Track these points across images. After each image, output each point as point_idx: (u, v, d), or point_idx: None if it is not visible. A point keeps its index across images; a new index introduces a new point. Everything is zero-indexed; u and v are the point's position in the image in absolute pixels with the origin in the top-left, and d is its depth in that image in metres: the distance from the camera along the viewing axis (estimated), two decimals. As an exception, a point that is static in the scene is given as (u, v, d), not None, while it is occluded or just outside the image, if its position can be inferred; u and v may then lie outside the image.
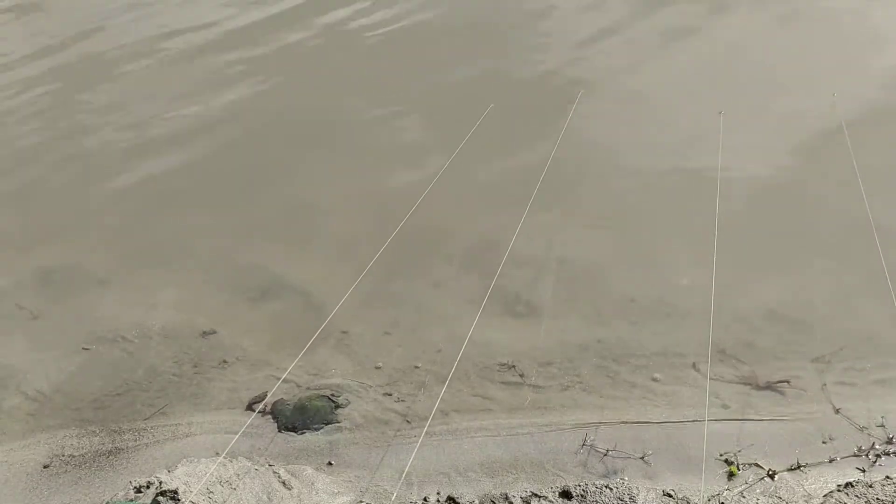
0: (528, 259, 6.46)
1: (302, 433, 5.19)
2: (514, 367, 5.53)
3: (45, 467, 5.13)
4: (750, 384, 5.17)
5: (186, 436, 5.24)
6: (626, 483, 4.42)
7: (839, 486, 4.32)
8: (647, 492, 4.35)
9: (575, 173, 7.57)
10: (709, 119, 8.02)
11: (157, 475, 4.62)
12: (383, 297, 6.31)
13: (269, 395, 5.45)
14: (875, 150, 7.24)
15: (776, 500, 4.26)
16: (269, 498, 4.53)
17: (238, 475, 4.66)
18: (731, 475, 4.49)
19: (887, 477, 4.34)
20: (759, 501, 4.25)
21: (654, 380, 5.30)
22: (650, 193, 7.20)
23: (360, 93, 9.87)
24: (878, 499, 4.14)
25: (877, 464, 4.48)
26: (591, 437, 4.85)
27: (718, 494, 4.33)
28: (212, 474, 4.61)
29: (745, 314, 5.68)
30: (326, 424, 5.24)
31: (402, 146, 8.57)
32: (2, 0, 15.26)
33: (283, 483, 4.65)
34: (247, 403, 5.49)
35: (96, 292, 6.84)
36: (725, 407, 5.01)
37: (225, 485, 4.56)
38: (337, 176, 8.19)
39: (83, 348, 6.17)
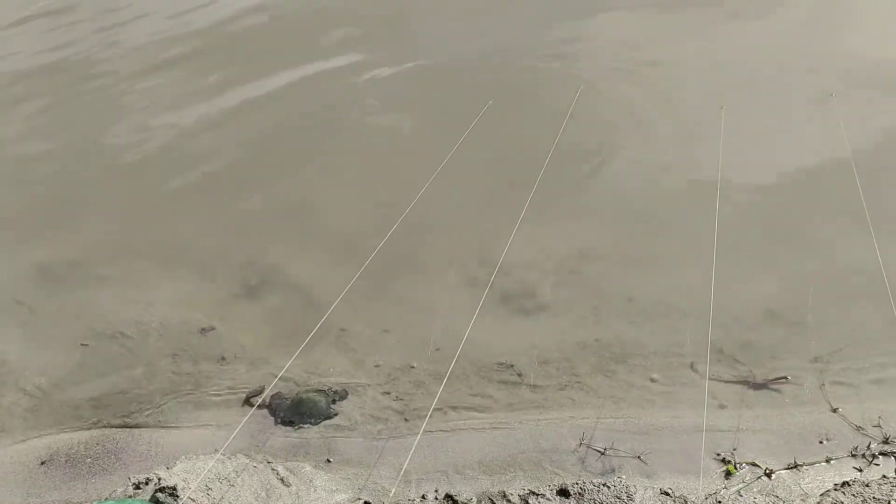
0: (527, 258, 6.47)
1: (299, 428, 5.20)
2: (512, 365, 5.54)
3: (42, 463, 5.12)
4: (748, 384, 5.19)
5: (185, 432, 5.24)
6: (623, 481, 4.43)
7: (836, 485, 4.34)
8: (645, 490, 4.36)
9: (574, 171, 7.58)
10: (710, 117, 8.04)
11: (156, 471, 4.62)
12: (381, 295, 6.32)
13: (266, 390, 5.46)
14: (873, 150, 7.26)
15: (773, 498, 4.28)
16: (267, 495, 4.54)
17: (236, 472, 4.66)
18: (728, 474, 4.51)
19: (884, 476, 4.37)
20: (756, 500, 4.26)
21: (652, 380, 5.32)
22: (650, 191, 7.21)
23: (359, 89, 9.86)
24: (874, 498, 4.15)
25: (873, 463, 4.50)
26: (589, 436, 4.86)
27: (716, 493, 4.35)
28: (210, 471, 4.61)
29: (744, 314, 5.70)
30: (324, 419, 5.24)
31: (400, 143, 8.57)
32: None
33: (282, 480, 4.66)
34: (244, 399, 5.49)
35: (95, 288, 6.82)
36: (723, 406, 5.04)
37: (223, 481, 4.56)
38: (335, 172, 8.19)
39: (81, 344, 6.17)
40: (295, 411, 5.31)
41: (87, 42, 12.42)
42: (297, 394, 5.44)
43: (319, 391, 5.44)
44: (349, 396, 5.43)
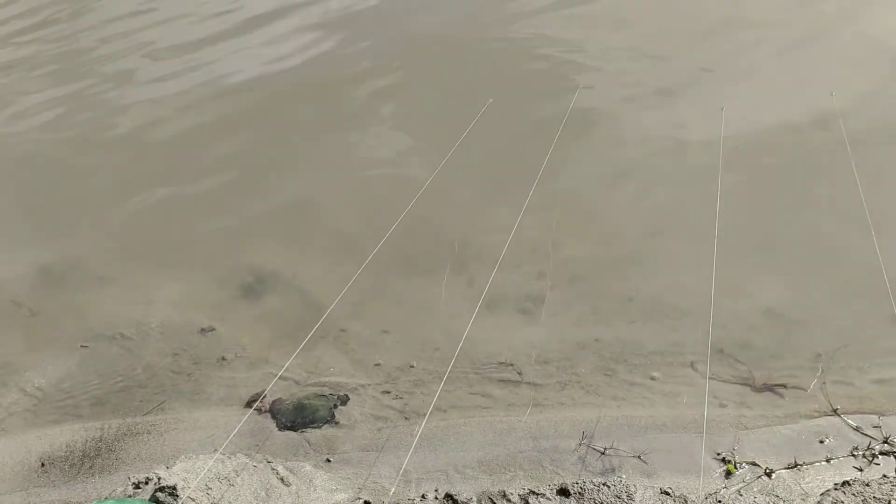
0: (526, 256, 6.47)
1: (302, 432, 5.19)
2: (511, 365, 5.54)
3: (42, 463, 5.13)
4: (748, 384, 5.19)
5: (185, 432, 5.24)
6: (623, 481, 4.43)
7: (836, 484, 4.33)
8: (645, 490, 4.35)
9: (573, 169, 7.57)
10: (710, 116, 8.03)
11: (156, 471, 4.62)
12: (381, 295, 6.32)
13: (266, 391, 5.45)
14: (873, 149, 7.25)
15: (773, 498, 4.27)
16: (267, 494, 4.54)
17: (236, 471, 4.66)
18: (728, 473, 4.50)
19: (884, 476, 4.36)
20: (756, 499, 4.26)
21: (653, 379, 5.31)
22: (650, 191, 7.20)
23: (357, 88, 9.86)
24: (874, 497, 4.15)
25: (874, 463, 4.50)
26: (589, 435, 4.86)
27: (716, 493, 4.34)
28: (210, 470, 4.61)
29: (744, 314, 5.69)
30: (325, 423, 5.24)
31: (399, 142, 8.56)
32: None
33: (282, 480, 4.66)
34: (245, 401, 5.49)
35: (95, 289, 6.83)
36: (723, 406, 5.03)
37: (223, 481, 4.56)
38: (334, 172, 8.19)
39: (81, 345, 6.17)
40: (296, 416, 5.30)
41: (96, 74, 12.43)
42: (297, 398, 5.43)
43: (321, 396, 5.43)
44: (349, 395, 5.42)
